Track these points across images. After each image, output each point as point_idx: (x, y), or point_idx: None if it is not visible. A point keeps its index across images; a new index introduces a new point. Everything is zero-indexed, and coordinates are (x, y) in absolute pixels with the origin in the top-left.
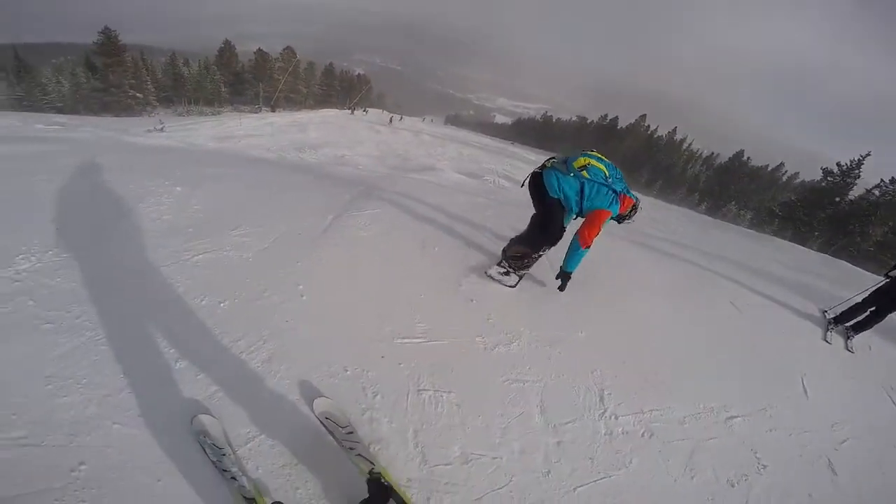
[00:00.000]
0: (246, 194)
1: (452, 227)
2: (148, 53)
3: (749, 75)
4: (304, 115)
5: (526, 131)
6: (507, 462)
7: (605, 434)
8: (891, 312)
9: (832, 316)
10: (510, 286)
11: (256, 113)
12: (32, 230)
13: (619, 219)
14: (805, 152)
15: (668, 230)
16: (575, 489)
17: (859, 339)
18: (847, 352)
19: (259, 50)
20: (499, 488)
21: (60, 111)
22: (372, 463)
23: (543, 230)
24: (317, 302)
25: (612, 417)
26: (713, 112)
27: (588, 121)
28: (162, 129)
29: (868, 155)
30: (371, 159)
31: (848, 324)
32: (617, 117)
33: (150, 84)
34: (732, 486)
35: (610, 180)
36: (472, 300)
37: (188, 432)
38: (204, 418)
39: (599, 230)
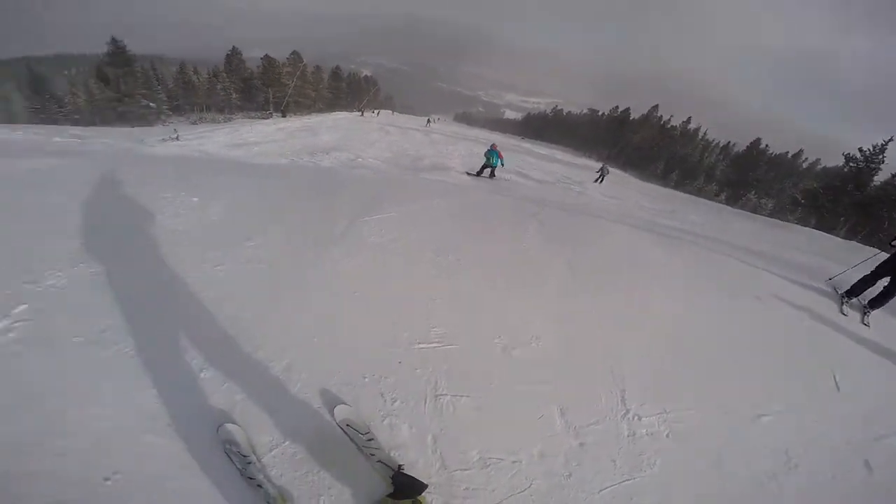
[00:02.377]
0: (259, 204)
1: (466, 228)
2: (158, 63)
3: (758, 66)
4: (314, 120)
5: (537, 126)
6: (526, 465)
7: (627, 436)
8: None
9: (838, 287)
10: (470, 175)
11: (268, 119)
12: (58, 245)
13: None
14: (821, 138)
15: (686, 221)
16: (599, 492)
17: (878, 315)
18: (864, 325)
19: (266, 56)
20: (519, 492)
21: (77, 123)
22: (399, 464)
23: (489, 168)
24: (332, 310)
25: (635, 418)
26: (725, 104)
27: (599, 113)
28: (177, 139)
29: (891, 140)
30: (383, 161)
31: (862, 299)
32: (629, 108)
33: (161, 93)
34: (761, 485)
35: (494, 153)
36: (488, 301)
37: (215, 441)
38: (230, 427)
39: (502, 156)
